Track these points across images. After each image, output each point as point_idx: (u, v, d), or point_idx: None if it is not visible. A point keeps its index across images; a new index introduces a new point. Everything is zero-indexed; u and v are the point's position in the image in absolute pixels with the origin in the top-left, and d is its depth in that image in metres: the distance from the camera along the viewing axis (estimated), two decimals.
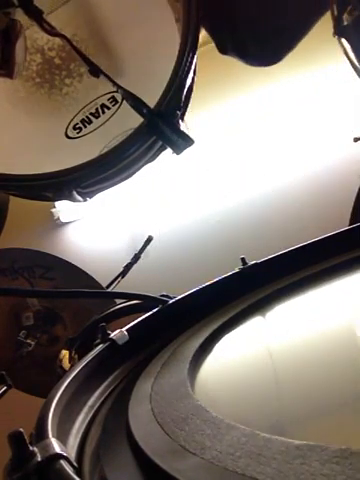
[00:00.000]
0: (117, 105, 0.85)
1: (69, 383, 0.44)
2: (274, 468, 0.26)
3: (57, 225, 2.10)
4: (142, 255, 1.34)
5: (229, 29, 0.81)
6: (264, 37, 0.80)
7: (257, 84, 1.90)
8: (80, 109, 0.86)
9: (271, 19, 0.79)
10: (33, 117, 0.89)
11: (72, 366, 0.87)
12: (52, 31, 0.77)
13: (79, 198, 0.87)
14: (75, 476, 0.28)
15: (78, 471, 0.31)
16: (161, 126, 0.74)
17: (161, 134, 0.75)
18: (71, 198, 0.86)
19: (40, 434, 0.33)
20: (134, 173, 0.89)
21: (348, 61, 0.94)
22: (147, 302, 0.83)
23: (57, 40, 0.83)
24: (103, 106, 0.85)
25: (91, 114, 0.85)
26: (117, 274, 1.32)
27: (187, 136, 0.74)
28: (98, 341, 0.55)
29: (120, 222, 2.05)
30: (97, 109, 0.85)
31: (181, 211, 2.00)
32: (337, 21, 0.90)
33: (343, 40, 0.92)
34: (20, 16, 0.76)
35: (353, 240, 0.70)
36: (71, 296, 1.16)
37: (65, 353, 0.99)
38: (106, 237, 2.06)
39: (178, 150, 0.76)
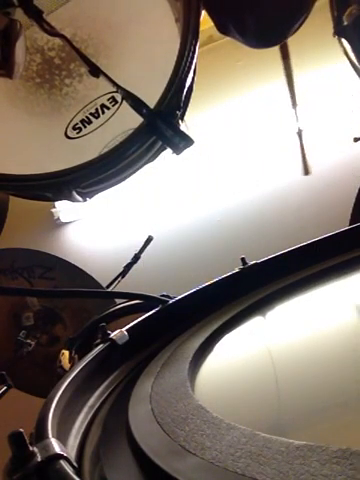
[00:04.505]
0: (117, 105, 0.84)
1: (69, 383, 0.44)
2: (274, 468, 0.26)
3: (57, 225, 2.10)
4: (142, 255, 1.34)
5: (228, 4, 0.79)
6: (264, 12, 0.78)
7: (257, 84, 1.90)
8: (80, 109, 0.86)
9: None
10: (33, 117, 0.89)
11: (72, 366, 0.87)
12: (52, 31, 0.76)
13: (79, 198, 0.87)
14: (75, 476, 0.28)
15: (78, 471, 0.31)
16: (161, 126, 0.74)
17: (161, 134, 0.75)
18: (71, 198, 0.86)
19: (40, 434, 0.33)
20: (134, 173, 0.88)
21: (348, 61, 0.94)
22: (147, 302, 0.83)
23: (57, 40, 0.83)
24: (103, 106, 0.85)
25: (91, 114, 0.85)
26: (117, 274, 1.32)
27: (187, 136, 0.74)
28: (98, 341, 0.55)
29: (120, 222, 2.04)
30: (97, 109, 0.85)
31: (181, 211, 2.00)
32: (337, 21, 0.90)
33: (343, 40, 0.92)
34: (20, 16, 0.76)
35: (353, 240, 0.70)
36: (71, 296, 1.16)
37: (65, 353, 0.99)
38: (106, 237, 2.06)
39: (178, 150, 0.76)
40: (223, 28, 0.83)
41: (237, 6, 0.78)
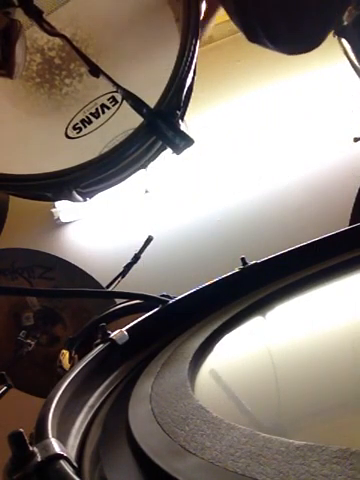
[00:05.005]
0: (117, 105, 0.84)
1: (69, 383, 0.44)
2: (274, 468, 0.26)
3: (57, 225, 2.10)
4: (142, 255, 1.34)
5: (258, 12, 0.78)
6: (295, 18, 0.77)
7: (257, 84, 1.90)
8: (80, 109, 0.85)
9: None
10: (33, 117, 0.89)
11: (72, 366, 0.87)
12: (52, 31, 0.76)
13: (79, 198, 0.87)
14: (75, 476, 0.28)
15: (78, 471, 0.31)
16: (161, 126, 0.74)
17: (161, 134, 0.75)
18: (71, 198, 0.86)
19: (40, 434, 0.33)
20: (134, 173, 0.88)
21: (348, 61, 0.94)
22: (147, 302, 0.83)
23: (57, 40, 0.83)
24: (103, 106, 0.85)
25: (91, 114, 0.85)
26: (117, 274, 1.32)
27: (187, 136, 0.74)
28: (98, 341, 0.55)
29: (120, 222, 2.04)
30: (97, 109, 0.85)
31: (181, 211, 2.00)
32: (337, 21, 0.90)
33: (343, 40, 0.92)
34: (20, 16, 0.76)
35: (353, 240, 0.70)
36: (71, 295, 1.16)
37: (65, 353, 0.99)
38: (106, 237, 2.06)
39: (178, 150, 0.75)
40: (252, 36, 0.82)
41: (267, 14, 0.77)
